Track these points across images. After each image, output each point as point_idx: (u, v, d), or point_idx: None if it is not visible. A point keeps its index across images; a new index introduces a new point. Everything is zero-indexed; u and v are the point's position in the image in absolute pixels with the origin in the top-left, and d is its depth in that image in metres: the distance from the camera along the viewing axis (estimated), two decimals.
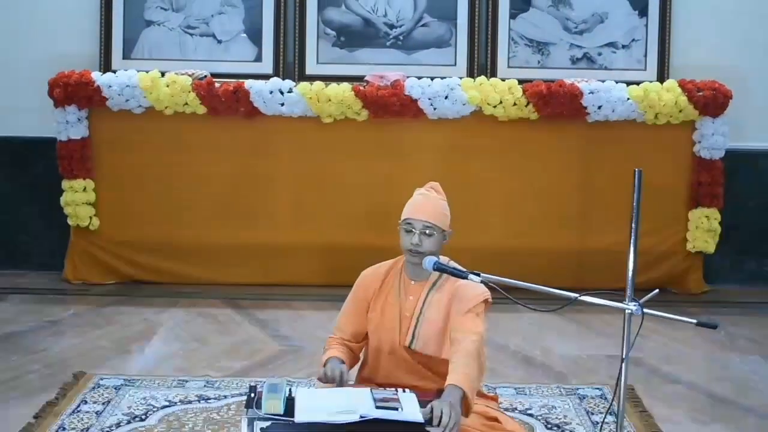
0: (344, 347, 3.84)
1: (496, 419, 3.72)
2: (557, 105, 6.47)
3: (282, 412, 3.32)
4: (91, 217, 6.65)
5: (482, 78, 6.60)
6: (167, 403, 4.59)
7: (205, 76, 6.57)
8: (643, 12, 6.81)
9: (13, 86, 6.85)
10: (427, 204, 3.72)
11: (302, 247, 6.71)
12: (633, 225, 3.52)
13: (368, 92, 6.46)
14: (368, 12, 6.81)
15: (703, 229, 6.70)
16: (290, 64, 6.81)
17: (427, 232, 3.67)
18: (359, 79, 6.61)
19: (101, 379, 4.89)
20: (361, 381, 3.87)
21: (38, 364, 5.14)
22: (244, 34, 6.82)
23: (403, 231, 3.71)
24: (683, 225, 6.76)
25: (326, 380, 3.62)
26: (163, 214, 6.68)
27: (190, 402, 4.62)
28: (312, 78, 6.65)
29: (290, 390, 3.45)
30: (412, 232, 3.67)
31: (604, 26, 6.83)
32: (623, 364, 3.49)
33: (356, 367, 3.91)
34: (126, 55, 6.78)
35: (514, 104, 6.48)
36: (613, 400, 3.79)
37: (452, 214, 3.80)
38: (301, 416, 3.30)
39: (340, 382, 3.60)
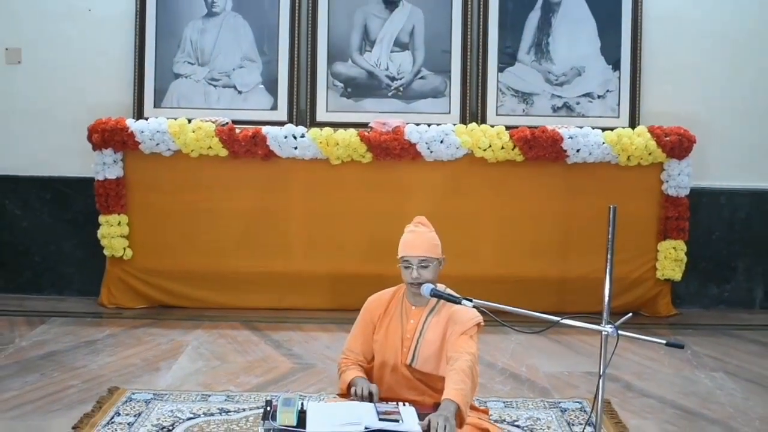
0: (360, 368, 3.85)
1: (487, 430, 3.72)
2: (540, 148, 6.49)
3: (295, 424, 3.32)
4: (124, 248, 6.66)
5: (473, 124, 6.62)
6: (192, 415, 4.57)
7: (227, 123, 6.58)
8: (616, 66, 6.84)
9: (57, 132, 6.88)
10: (417, 240, 3.75)
11: (312, 275, 6.69)
12: (608, 255, 3.53)
13: (372, 137, 6.48)
14: (372, 66, 6.84)
15: (671, 259, 6.70)
16: (303, 112, 6.82)
17: (423, 264, 3.70)
18: (364, 125, 6.63)
19: (133, 393, 4.88)
20: None
21: (77, 379, 5.13)
22: (262, 86, 6.84)
23: (403, 268, 3.74)
24: (653, 255, 6.75)
25: (360, 398, 3.62)
26: (189, 246, 6.68)
27: (212, 414, 4.60)
28: (322, 124, 6.67)
29: (302, 404, 3.45)
30: (410, 267, 3.70)
31: (582, 79, 6.85)
32: (600, 380, 3.49)
33: None
34: (157, 104, 6.80)
35: (502, 148, 6.50)
36: (591, 412, 3.78)
37: (447, 247, 3.82)
38: (312, 427, 3.31)
39: (372, 398, 3.62)
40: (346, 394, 3.76)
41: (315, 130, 6.52)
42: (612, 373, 5.24)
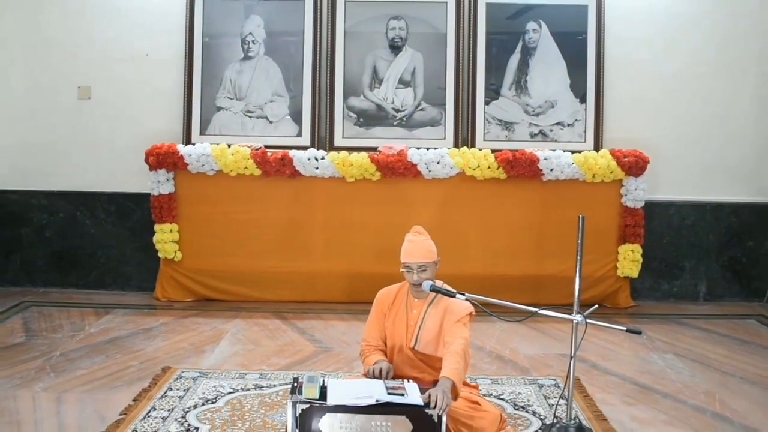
0: (380, 352, 3.85)
1: (477, 402, 3.72)
2: (520, 168, 6.49)
3: (317, 397, 3.34)
4: (175, 252, 6.67)
5: (465, 148, 6.62)
6: (231, 390, 4.58)
7: (260, 148, 6.60)
8: (582, 99, 6.84)
9: (120, 155, 6.90)
10: (415, 248, 3.75)
11: (331, 274, 6.69)
12: (578, 256, 3.54)
13: (380, 159, 6.49)
14: (380, 100, 6.85)
15: (629, 260, 6.68)
16: (323, 138, 6.82)
17: (422, 269, 3.71)
18: (374, 149, 6.63)
19: (183, 372, 4.89)
20: None
21: (136, 360, 5.14)
22: (289, 117, 6.84)
23: (405, 271, 3.74)
24: (614, 256, 6.73)
25: (379, 376, 3.63)
26: (229, 249, 6.68)
27: (248, 389, 4.61)
28: (339, 148, 6.68)
29: (324, 380, 3.46)
30: (411, 271, 3.71)
31: (554, 110, 6.84)
32: (572, 361, 3.49)
33: None
34: (202, 132, 6.81)
35: (488, 167, 6.50)
36: (564, 387, 3.77)
37: (442, 250, 3.82)
38: (332, 400, 3.32)
39: (388, 376, 3.64)
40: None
41: (333, 154, 6.53)
42: (581, 355, 5.22)
